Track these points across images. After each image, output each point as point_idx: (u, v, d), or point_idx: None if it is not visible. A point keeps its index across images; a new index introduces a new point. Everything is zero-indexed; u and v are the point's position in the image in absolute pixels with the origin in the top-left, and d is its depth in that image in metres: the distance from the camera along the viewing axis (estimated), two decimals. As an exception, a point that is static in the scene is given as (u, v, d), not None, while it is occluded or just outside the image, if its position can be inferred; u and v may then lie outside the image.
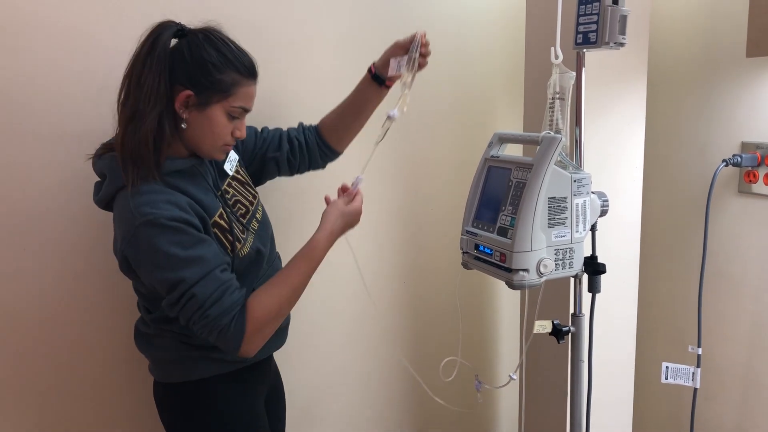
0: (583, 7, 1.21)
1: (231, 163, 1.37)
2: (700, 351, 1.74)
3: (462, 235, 1.32)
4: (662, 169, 1.99)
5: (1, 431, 1.50)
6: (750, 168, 1.71)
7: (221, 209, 1.27)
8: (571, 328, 1.34)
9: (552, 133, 1.22)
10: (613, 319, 1.83)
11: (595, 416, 1.52)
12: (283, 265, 1.30)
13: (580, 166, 1.29)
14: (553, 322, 1.33)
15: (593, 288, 1.30)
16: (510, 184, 1.22)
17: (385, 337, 2.03)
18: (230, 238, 1.27)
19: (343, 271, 1.85)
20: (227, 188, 1.35)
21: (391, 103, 1.38)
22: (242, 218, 1.34)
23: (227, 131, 1.24)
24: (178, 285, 1.14)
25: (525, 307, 1.28)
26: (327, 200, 1.37)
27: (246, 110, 1.26)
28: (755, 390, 1.80)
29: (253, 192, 1.43)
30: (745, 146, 1.74)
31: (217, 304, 1.16)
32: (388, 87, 1.47)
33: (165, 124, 1.18)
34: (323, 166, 1.59)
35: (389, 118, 1.34)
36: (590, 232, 1.28)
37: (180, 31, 1.21)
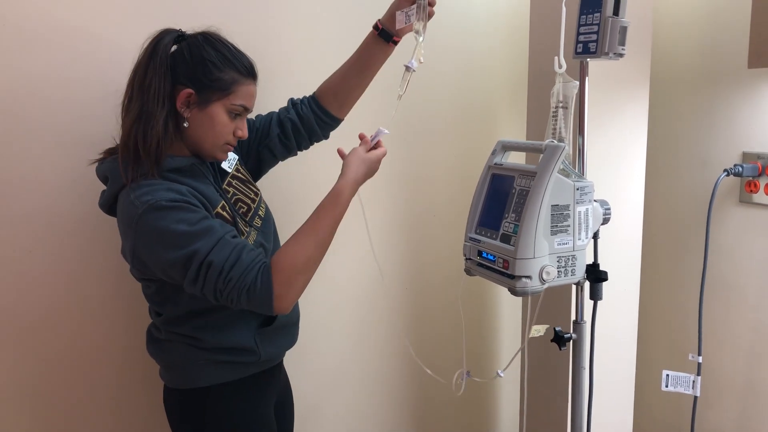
0: (584, 17, 1.22)
1: (229, 161, 1.37)
2: (700, 359, 1.75)
3: (465, 241, 1.33)
4: (664, 178, 2.00)
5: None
6: (751, 178, 1.73)
7: (223, 202, 1.28)
8: (573, 335, 1.35)
9: (555, 142, 1.23)
10: (615, 327, 1.84)
11: (596, 423, 1.52)
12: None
13: (583, 174, 1.30)
14: (554, 329, 1.33)
15: (595, 295, 1.31)
16: (513, 191, 1.23)
17: (388, 341, 2.04)
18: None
19: (347, 274, 1.87)
20: (227, 187, 1.35)
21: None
22: (244, 216, 1.34)
23: (228, 130, 1.26)
24: (193, 258, 1.12)
25: (528, 314, 1.29)
26: (340, 152, 1.33)
27: (247, 109, 1.27)
28: (755, 398, 1.80)
29: (254, 190, 1.43)
30: (746, 156, 1.75)
31: (237, 264, 1.14)
32: (396, 43, 1.44)
33: (168, 124, 1.19)
34: (326, 137, 1.56)
35: (408, 69, 1.33)
36: (592, 240, 1.29)
37: (180, 36, 1.24)
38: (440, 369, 1.59)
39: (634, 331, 1.90)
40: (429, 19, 1.36)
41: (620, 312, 1.85)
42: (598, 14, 1.19)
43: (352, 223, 1.90)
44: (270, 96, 1.55)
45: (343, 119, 1.55)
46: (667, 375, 1.74)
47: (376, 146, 1.34)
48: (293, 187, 1.75)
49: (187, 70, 1.21)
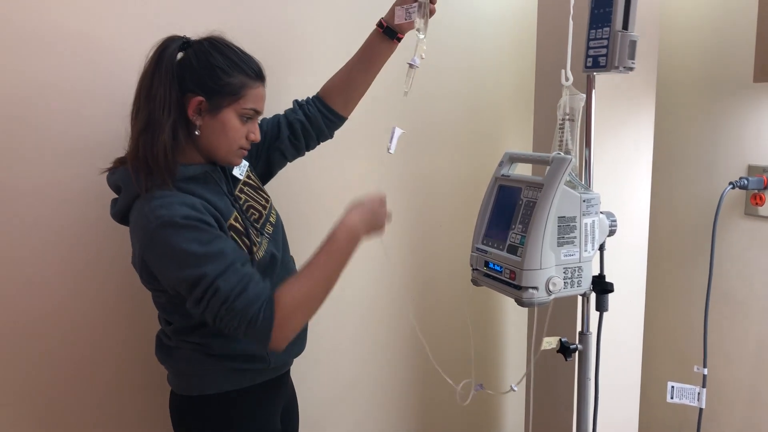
0: (593, 31, 1.23)
1: (241, 168, 1.37)
2: (705, 371, 1.74)
3: (472, 252, 1.34)
4: (670, 191, 2.00)
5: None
6: (756, 191, 1.73)
7: (236, 213, 1.28)
8: (579, 345, 1.35)
9: (562, 154, 1.24)
10: (620, 338, 1.84)
11: (600, 434, 1.52)
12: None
13: (590, 186, 1.31)
14: (561, 339, 1.34)
15: (601, 307, 1.31)
16: (520, 202, 1.24)
17: (393, 348, 2.04)
18: (246, 242, 1.27)
19: (355, 281, 1.88)
20: (239, 194, 1.34)
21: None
22: (256, 223, 1.34)
23: (241, 134, 1.26)
24: (201, 281, 1.12)
25: (534, 325, 1.29)
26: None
27: (257, 112, 1.28)
28: (760, 411, 1.80)
29: (265, 196, 1.43)
30: (751, 169, 1.76)
31: (243, 295, 1.13)
32: (399, 39, 1.47)
33: (179, 133, 1.19)
34: (331, 136, 1.57)
35: (411, 66, 1.35)
36: (598, 252, 1.30)
37: (185, 43, 1.23)
38: (447, 377, 1.59)
39: (640, 342, 1.90)
40: (430, 16, 1.37)
41: (626, 323, 1.86)
42: (607, 28, 1.20)
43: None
44: (273, 99, 1.56)
45: (347, 117, 1.57)
46: (673, 387, 1.74)
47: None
48: (293, 190, 1.76)
49: (195, 77, 1.20)
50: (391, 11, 1.44)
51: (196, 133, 1.22)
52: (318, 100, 1.53)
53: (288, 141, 1.49)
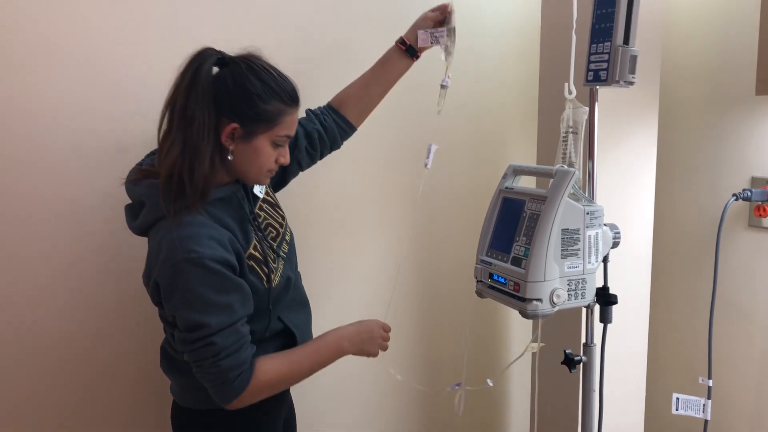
0: (594, 45, 1.24)
1: (260, 186, 1.37)
2: (710, 383, 1.75)
3: (476, 263, 1.35)
4: (673, 203, 2.01)
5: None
6: (760, 202, 1.74)
7: (255, 241, 1.27)
8: (583, 357, 1.35)
9: (565, 167, 1.24)
10: (625, 349, 1.84)
11: (606, 446, 1.52)
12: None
13: (593, 198, 1.31)
14: (565, 351, 1.34)
15: (605, 318, 1.32)
16: (524, 215, 1.25)
17: (396, 362, 2.05)
18: (265, 269, 1.27)
19: (356, 293, 1.88)
20: (259, 211, 1.34)
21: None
22: (273, 242, 1.34)
23: (272, 159, 1.25)
24: (201, 328, 1.14)
25: (538, 336, 1.30)
26: None
27: (290, 137, 1.27)
28: (766, 423, 1.80)
29: (281, 213, 1.43)
30: (755, 181, 1.77)
31: (233, 356, 1.16)
32: (418, 57, 1.53)
33: (215, 158, 1.18)
34: (340, 146, 1.59)
35: (443, 87, 1.47)
36: (602, 264, 1.30)
37: (221, 59, 1.20)
38: (446, 386, 1.60)
39: (645, 354, 1.91)
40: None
41: (630, 335, 1.86)
42: (608, 43, 1.21)
43: (362, 244, 1.94)
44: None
45: (357, 128, 1.59)
46: (678, 398, 1.74)
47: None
48: (294, 201, 1.77)
49: (231, 102, 1.17)
50: (413, 32, 1.50)
51: (229, 158, 1.21)
52: (332, 109, 1.54)
53: (305, 151, 1.49)
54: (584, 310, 1.36)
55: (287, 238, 1.41)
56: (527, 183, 1.40)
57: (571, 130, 1.31)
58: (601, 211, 1.25)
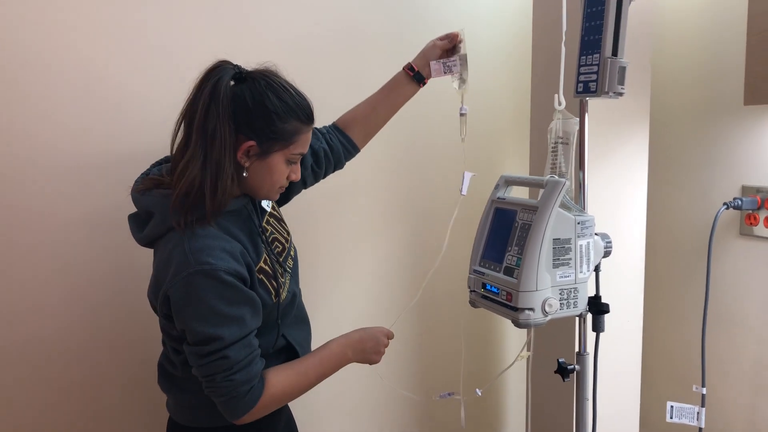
0: (584, 57, 1.26)
1: (267, 200, 1.37)
2: (704, 390, 1.75)
3: (470, 274, 1.35)
4: (665, 212, 2.03)
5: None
6: (751, 211, 1.75)
7: (265, 255, 1.27)
8: (576, 366, 1.36)
9: (556, 177, 1.26)
10: (618, 358, 1.85)
11: (600, 455, 1.53)
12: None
13: (584, 208, 1.32)
14: (558, 360, 1.35)
15: (597, 327, 1.32)
16: (516, 225, 1.26)
17: (392, 368, 2.05)
18: (274, 284, 1.27)
19: (354, 306, 1.89)
20: (266, 225, 1.34)
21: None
22: (279, 256, 1.33)
23: (284, 176, 1.25)
24: (214, 341, 1.12)
25: (528, 343, 1.31)
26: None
27: (303, 155, 1.27)
28: (759, 429, 1.81)
29: (287, 229, 1.43)
30: (745, 190, 1.78)
31: (246, 370, 1.15)
32: (425, 84, 1.54)
33: (233, 174, 1.18)
34: (343, 167, 1.59)
35: (463, 114, 1.48)
36: (594, 273, 1.32)
37: (238, 73, 1.19)
38: (441, 399, 1.60)
39: (638, 362, 1.91)
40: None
41: (624, 343, 1.87)
42: (597, 55, 1.23)
43: (360, 254, 1.95)
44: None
45: (361, 150, 1.59)
46: (672, 406, 1.74)
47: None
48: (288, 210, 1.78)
49: (248, 119, 1.17)
50: (422, 58, 1.51)
51: (244, 174, 1.21)
52: (337, 130, 1.55)
53: (311, 169, 1.50)
54: (577, 319, 1.37)
55: (292, 253, 1.41)
56: (521, 194, 1.41)
57: (561, 140, 1.33)
58: (592, 221, 1.26)
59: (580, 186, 1.35)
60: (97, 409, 1.60)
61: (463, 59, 1.47)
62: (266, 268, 1.26)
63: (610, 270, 1.41)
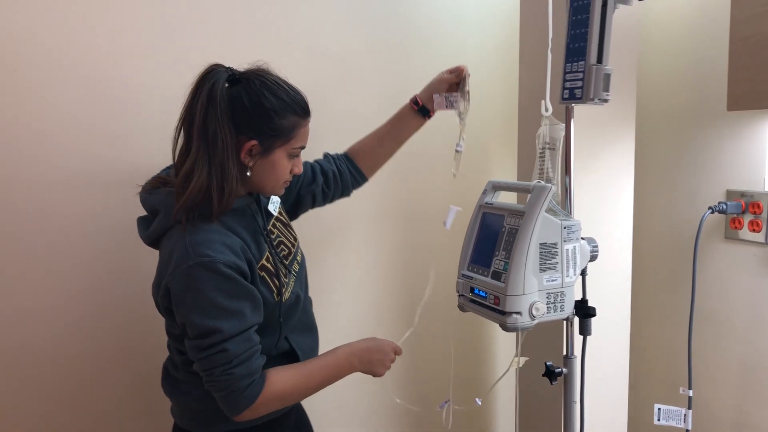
0: (569, 64, 1.27)
1: (274, 204, 1.38)
2: (691, 393, 1.77)
3: (458, 278, 1.37)
4: (651, 216, 2.05)
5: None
6: (735, 215, 1.77)
7: (267, 252, 1.28)
8: (564, 369, 1.37)
9: (543, 183, 1.27)
10: (606, 361, 1.86)
11: (588, 457, 1.54)
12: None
13: (571, 213, 1.34)
14: (545, 363, 1.36)
15: (584, 331, 1.33)
16: (503, 230, 1.27)
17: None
18: (277, 282, 1.28)
19: (349, 307, 1.89)
20: (272, 228, 1.35)
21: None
22: (284, 260, 1.34)
23: (288, 170, 1.27)
24: (214, 334, 1.13)
25: (518, 348, 1.32)
26: None
27: (303, 148, 1.29)
28: (746, 430, 1.82)
29: (293, 234, 1.44)
30: (730, 194, 1.80)
31: (245, 364, 1.16)
32: (431, 117, 1.58)
33: (238, 174, 1.20)
34: (350, 194, 1.62)
35: (458, 151, 1.48)
36: (581, 277, 1.33)
37: (231, 75, 1.21)
38: (432, 401, 1.61)
39: (626, 365, 1.93)
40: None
41: (611, 346, 1.88)
42: (582, 62, 1.24)
43: (356, 260, 1.95)
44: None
45: (369, 179, 1.63)
46: (660, 409, 1.75)
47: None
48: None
49: (248, 119, 1.19)
50: (428, 93, 1.54)
51: (248, 174, 1.23)
52: (347, 158, 1.59)
53: (321, 187, 1.53)
54: (564, 322, 1.38)
55: (298, 258, 1.42)
56: (509, 199, 1.42)
57: (548, 146, 1.34)
58: (578, 226, 1.27)
59: (567, 191, 1.36)
60: (99, 414, 1.60)
61: (465, 95, 1.48)
62: (268, 265, 1.27)
63: (598, 273, 1.42)
